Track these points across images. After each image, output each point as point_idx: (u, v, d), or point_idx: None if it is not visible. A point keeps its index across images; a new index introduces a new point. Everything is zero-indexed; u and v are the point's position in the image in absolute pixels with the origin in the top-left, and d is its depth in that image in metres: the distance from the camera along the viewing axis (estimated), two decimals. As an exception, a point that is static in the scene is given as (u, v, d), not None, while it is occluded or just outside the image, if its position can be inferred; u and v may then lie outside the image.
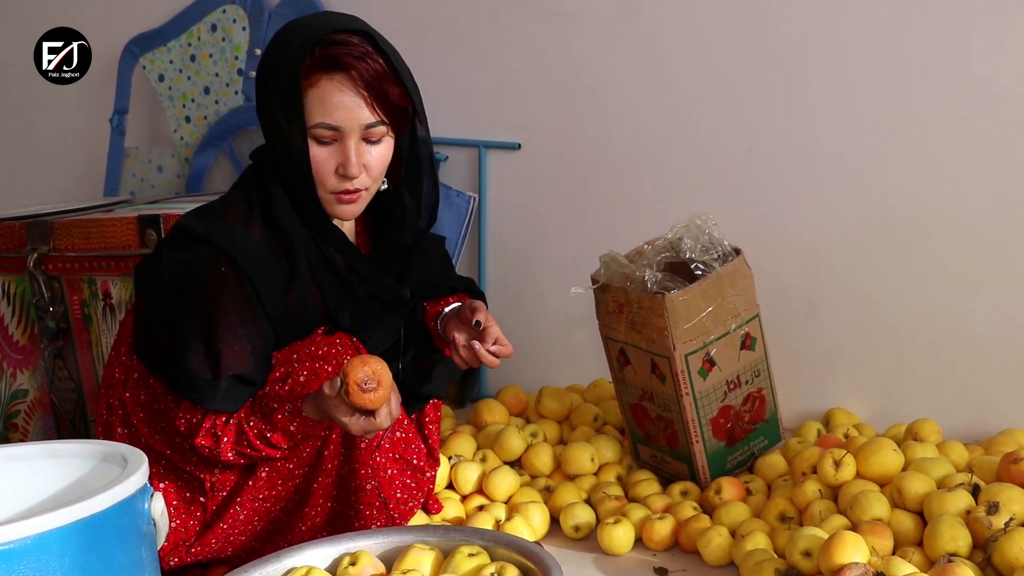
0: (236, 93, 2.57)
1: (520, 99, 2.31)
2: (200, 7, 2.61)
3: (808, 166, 2.06)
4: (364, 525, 1.52)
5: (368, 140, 1.46)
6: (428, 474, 1.63)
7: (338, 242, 1.54)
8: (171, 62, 2.65)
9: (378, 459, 1.52)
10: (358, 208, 1.51)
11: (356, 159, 1.45)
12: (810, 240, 2.08)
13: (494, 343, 1.52)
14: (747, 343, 1.80)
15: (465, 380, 1.74)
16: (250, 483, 1.52)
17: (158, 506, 1.11)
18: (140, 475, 1.10)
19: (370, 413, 1.33)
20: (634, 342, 1.79)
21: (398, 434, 1.57)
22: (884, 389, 2.05)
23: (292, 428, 1.41)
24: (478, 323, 1.53)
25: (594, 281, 1.83)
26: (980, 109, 1.90)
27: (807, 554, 1.44)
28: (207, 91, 2.62)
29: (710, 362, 1.75)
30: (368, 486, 1.51)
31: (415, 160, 1.55)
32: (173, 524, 1.52)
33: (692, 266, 1.76)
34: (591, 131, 2.25)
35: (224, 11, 2.57)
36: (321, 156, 1.45)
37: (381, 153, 1.49)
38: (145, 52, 2.67)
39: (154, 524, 1.12)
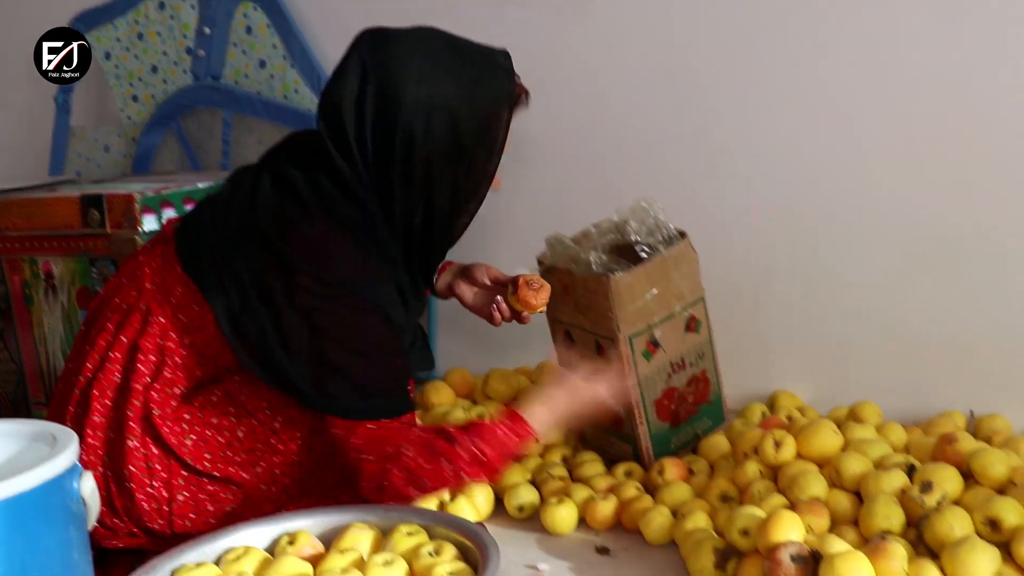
0: (184, 72, 2.54)
1: (471, 81, 2.30)
2: (147, -16, 2.57)
3: (757, 153, 2.06)
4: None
5: None
6: None
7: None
8: (118, 40, 2.61)
9: None
10: None
11: None
12: (758, 226, 2.09)
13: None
14: (692, 326, 1.81)
15: None
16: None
17: (88, 485, 1.10)
18: (69, 454, 1.09)
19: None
20: (579, 324, 1.79)
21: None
22: (828, 372, 2.07)
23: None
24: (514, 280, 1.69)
25: (540, 263, 1.83)
26: (928, 103, 1.91)
27: (745, 532, 1.45)
28: (155, 70, 2.58)
29: (654, 344, 1.76)
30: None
31: None
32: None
33: (637, 248, 1.77)
34: (540, 114, 2.22)
35: (172, -12, 2.53)
36: None
37: None
38: (91, 29, 2.62)
39: (84, 503, 1.11)
